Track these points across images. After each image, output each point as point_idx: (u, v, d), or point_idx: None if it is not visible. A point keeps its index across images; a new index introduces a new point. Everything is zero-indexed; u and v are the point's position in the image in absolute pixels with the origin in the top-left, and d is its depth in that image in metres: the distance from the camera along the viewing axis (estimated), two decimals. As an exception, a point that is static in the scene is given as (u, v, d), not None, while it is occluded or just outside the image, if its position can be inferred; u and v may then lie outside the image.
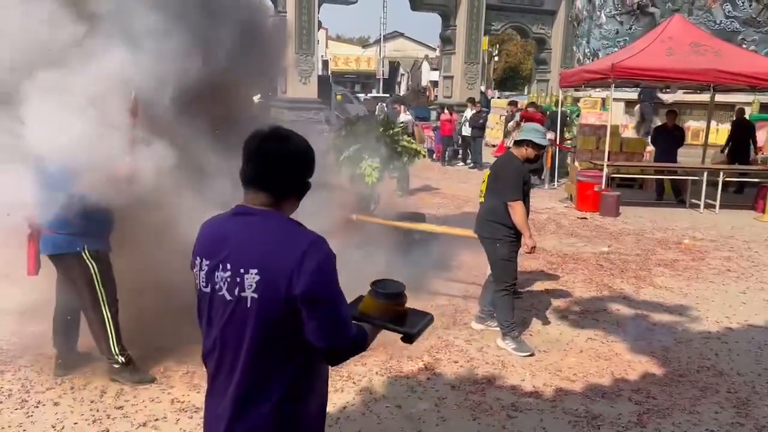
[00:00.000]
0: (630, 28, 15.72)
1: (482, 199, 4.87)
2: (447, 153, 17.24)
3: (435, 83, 37.57)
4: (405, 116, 12.71)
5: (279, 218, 1.77)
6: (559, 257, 7.34)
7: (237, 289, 1.69)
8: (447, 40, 23.13)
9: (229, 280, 1.71)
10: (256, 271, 1.67)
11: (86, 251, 3.76)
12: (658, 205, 11.13)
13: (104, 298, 3.83)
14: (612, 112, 11.68)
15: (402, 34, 50.77)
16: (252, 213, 1.76)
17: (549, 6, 23.76)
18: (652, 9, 15.45)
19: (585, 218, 9.76)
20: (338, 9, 22.50)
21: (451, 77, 23.02)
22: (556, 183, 13.13)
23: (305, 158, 1.81)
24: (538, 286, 6.24)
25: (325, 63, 37.03)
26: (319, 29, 21.26)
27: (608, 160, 10.75)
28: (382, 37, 43.89)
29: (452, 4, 22.30)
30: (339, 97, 27.53)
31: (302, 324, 1.69)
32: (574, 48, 19.35)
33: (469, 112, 17.05)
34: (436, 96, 26.31)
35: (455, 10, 22.35)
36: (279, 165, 1.75)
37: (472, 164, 16.27)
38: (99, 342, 3.95)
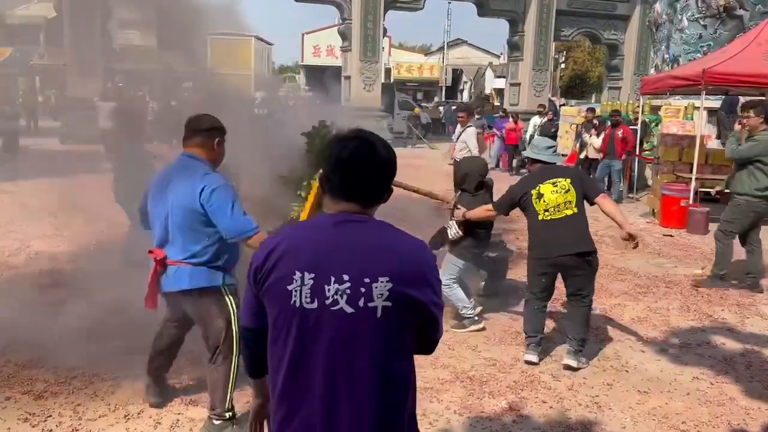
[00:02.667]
0: (715, 32, 14.66)
1: (571, 211, 4.30)
2: (514, 162, 16.60)
3: (498, 91, 36.76)
4: (469, 131, 8.22)
5: (384, 224, 1.73)
6: (648, 279, 6.69)
7: (362, 299, 1.60)
8: (514, 47, 22.49)
9: (349, 291, 1.59)
10: (386, 278, 1.60)
11: (226, 286, 3.23)
12: (750, 223, 10.19)
13: (236, 342, 3.21)
14: (698, 121, 10.83)
15: (465, 42, 50.15)
16: (357, 221, 1.68)
17: (622, 11, 22.82)
18: (740, 12, 14.36)
19: (671, 236, 9.00)
20: (400, 17, 22.20)
21: (518, 84, 22.35)
22: (633, 195, 12.33)
23: (393, 162, 1.74)
24: (629, 312, 5.63)
25: (388, 71, 36.80)
26: (383, 36, 21.01)
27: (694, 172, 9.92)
28: (446, 44, 43.38)
29: (521, 9, 21.68)
30: (416, 110, 27.19)
31: (426, 327, 1.72)
32: (651, 54, 18.34)
33: (538, 120, 16.42)
34: (501, 103, 25.62)
35: (524, 16, 21.72)
36: (372, 173, 1.69)
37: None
38: (214, 392, 3.32)
